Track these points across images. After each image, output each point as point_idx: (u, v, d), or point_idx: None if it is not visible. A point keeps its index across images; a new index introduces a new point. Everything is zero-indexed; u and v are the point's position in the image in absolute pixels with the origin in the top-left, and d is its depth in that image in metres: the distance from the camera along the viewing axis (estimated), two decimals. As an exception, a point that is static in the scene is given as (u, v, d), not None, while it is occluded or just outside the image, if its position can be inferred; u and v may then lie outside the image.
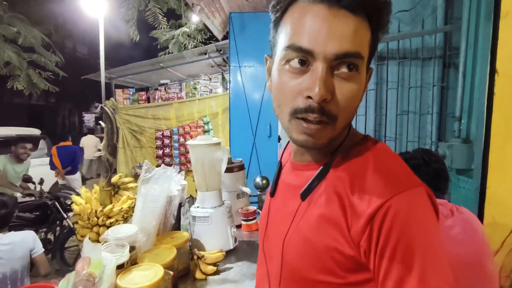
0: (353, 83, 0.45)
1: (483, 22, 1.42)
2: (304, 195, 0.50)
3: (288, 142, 0.67)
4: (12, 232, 1.87)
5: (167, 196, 1.17)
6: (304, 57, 0.44)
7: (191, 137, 4.70)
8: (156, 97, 4.94)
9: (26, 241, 1.83)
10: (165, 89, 5.03)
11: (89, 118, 16.72)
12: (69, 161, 4.97)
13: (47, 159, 5.19)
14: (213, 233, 1.28)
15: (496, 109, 1.35)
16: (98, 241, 1.29)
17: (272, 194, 0.62)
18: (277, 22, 0.50)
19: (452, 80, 2.08)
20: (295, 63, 0.45)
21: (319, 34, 0.43)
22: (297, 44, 0.44)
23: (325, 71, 0.43)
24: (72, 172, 4.98)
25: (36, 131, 6.14)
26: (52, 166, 4.92)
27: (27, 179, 3.32)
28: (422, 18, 2.13)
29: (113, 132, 1.65)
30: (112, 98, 1.81)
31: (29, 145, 3.46)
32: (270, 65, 0.53)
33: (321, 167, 0.50)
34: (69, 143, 5.26)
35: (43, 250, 1.88)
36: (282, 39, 0.47)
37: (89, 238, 1.14)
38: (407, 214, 0.41)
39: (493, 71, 1.36)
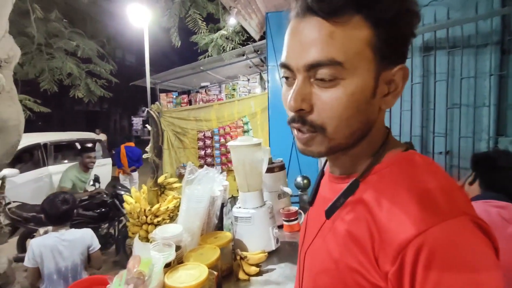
0: (336, 90, 0.42)
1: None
2: (329, 214, 0.47)
3: None
4: (73, 229, 2.04)
5: (210, 196, 1.20)
6: (286, 72, 0.46)
7: (231, 137, 4.79)
8: (197, 99, 5.11)
9: (85, 238, 1.98)
10: (205, 91, 5.19)
11: (137, 122, 17.90)
12: (135, 161, 5.39)
13: (103, 161, 5.66)
14: (255, 234, 1.28)
15: None
16: (147, 239, 1.37)
17: (311, 203, 0.60)
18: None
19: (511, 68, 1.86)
20: (285, 78, 0.47)
21: (291, 48, 0.44)
22: (281, 61, 0.46)
23: (299, 82, 0.43)
24: (134, 171, 5.39)
25: (92, 135, 6.74)
26: (119, 164, 5.35)
27: (97, 179, 3.71)
28: (475, 2, 1.93)
29: (158, 134, 1.74)
30: (157, 102, 1.90)
31: (93, 154, 3.82)
32: None
33: (349, 184, 0.46)
34: (132, 144, 5.68)
35: (99, 246, 2.04)
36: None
37: (139, 236, 1.21)
38: (448, 251, 0.35)
39: None
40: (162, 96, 5.29)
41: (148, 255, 0.86)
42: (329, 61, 0.41)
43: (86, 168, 3.67)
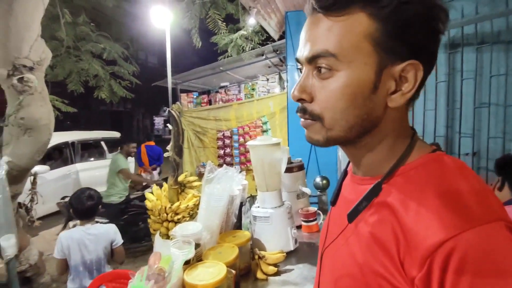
0: (331, 81, 0.44)
1: None
2: (351, 217, 0.47)
3: None
4: (98, 224, 2.13)
5: (229, 195, 1.21)
6: (299, 66, 0.49)
7: (250, 137, 4.81)
8: (217, 99, 5.17)
9: (109, 233, 2.07)
10: (225, 91, 5.24)
11: (158, 121, 18.35)
12: (155, 160, 5.55)
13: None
14: (274, 234, 1.28)
15: None
16: (167, 236, 1.40)
17: (333, 203, 0.59)
18: None
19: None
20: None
21: (300, 43, 0.48)
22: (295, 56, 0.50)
23: (304, 75, 0.47)
24: (155, 170, 5.54)
25: (116, 134, 6.98)
26: (140, 162, 5.53)
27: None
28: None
29: (179, 133, 1.78)
30: (178, 102, 1.94)
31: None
32: None
33: (372, 186, 0.45)
34: (152, 143, 5.84)
35: (122, 242, 2.12)
36: None
37: (160, 233, 1.24)
38: (482, 257, 0.33)
39: None
40: (183, 96, 5.39)
41: (168, 252, 0.88)
42: (323, 53, 0.43)
43: (127, 155, 4.00)
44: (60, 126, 2.48)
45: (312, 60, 0.45)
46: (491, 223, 0.35)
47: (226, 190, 1.18)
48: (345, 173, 0.60)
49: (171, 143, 1.79)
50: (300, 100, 0.47)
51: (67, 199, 3.89)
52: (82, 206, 2.03)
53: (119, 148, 4.14)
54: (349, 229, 0.49)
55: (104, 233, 2.04)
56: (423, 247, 0.36)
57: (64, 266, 1.97)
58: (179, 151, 1.79)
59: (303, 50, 0.46)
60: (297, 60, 0.49)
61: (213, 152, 5.14)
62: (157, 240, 0.89)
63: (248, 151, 4.94)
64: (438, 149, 0.46)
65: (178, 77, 5.70)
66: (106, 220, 3.65)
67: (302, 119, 0.49)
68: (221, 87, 5.60)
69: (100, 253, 2.01)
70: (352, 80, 0.42)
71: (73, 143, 5.59)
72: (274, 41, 4.71)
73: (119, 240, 2.09)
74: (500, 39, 1.91)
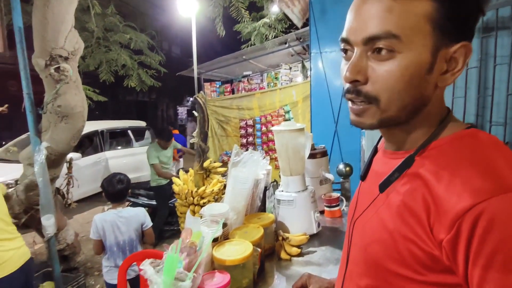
0: (391, 63, 0.43)
1: None
2: (382, 187, 0.49)
3: None
4: (129, 207, 2.27)
5: (254, 179, 1.24)
6: (346, 46, 0.48)
7: (273, 125, 4.80)
8: (240, 88, 5.21)
9: (139, 216, 2.19)
10: (248, 80, 5.26)
11: (182, 111, 18.70)
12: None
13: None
14: (297, 217, 1.31)
15: None
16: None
17: (363, 178, 0.61)
18: None
19: None
20: (342, 52, 0.50)
21: (351, 23, 0.46)
22: (341, 36, 0.48)
23: (357, 55, 0.45)
24: (181, 157, 5.71)
25: (142, 123, 7.22)
26: None
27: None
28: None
29: (204, 120, 1.83)
30: (201, 91, 1.99)
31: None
32: None
33: (404, 159, 0.47)
34: (177, 131, 5.98)
35: (151, 224, 2.25)
36: None
37: (191, 211, 1.30)
38: (509, 221, 0.35)
39: None
40: (206, 85, 5.47)
41: (198, 229, 0.94)
42: (385, 34, 0.42)
43: (163, 146, 4.00)
44: (90, 115, 2.60)
45: (370, 41, 0.44)
46: None
47: (252, 173, 1.22)
48: (376, 149, 0.61)
49: (197, 130, 1.84)
50: (353, 82, 0.46)
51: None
52: (113, 189, 2.17)
53: (156, 139, 4.09)
54: (380, 199, 0.51)
55: (134, 216, 2.17)
56: (453, 211, 0.38)
57: (100, 246, 2.11)
58: (204, 137, 1.85)
59: (357, 31, 0.45)
60: (345, 41, 0.47)
61: (235, 141, 5.21)
62: (188, 218, 0.94)
63: (270, 140, 4.96)
64: (473, 126, 0.47)
65: (202, 66, 5.78)
66: (154, 203, 3.92)
67: (353, 105, 0.48)
68: (244, 76, 5.62)
69: (132, 235, 2.14)
70: (411, 62, 0.43)
71: (102, 132, 5.85)
72: (297, 29, 4.63)
73: (148, 222, 2.22)
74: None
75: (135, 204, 3.71)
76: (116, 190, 2.17)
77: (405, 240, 0.43)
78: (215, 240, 1.01)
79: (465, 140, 0.45)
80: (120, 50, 4.73)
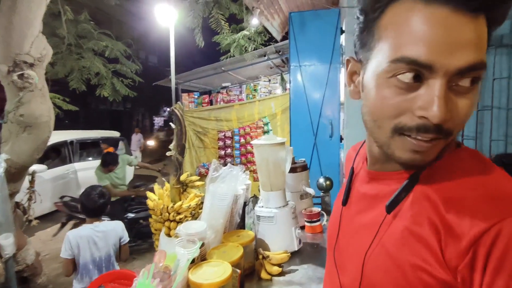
0: (473, 96, 0.39)
1: None
2: (390, 208, 0.45)
3: (361, 147, 0.62)
4: (106, 221, 2.13)
5: (233, 194, 1.19)
6: (419, 71, 0.37)
7: (252, 137, 4.79)
8: (218, 99, 5.15)
9: (117, 230, 2.07)
10: (226, 91, 5.23)
11: (158, 121, 18.33)
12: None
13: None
14: (278, 234, 1.26)
15: None
16: (169, 236, 1.38)
17: (345, 203, 0.58)
18: (372, 23, 0.42)
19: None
20: (407, 78, 0.38)
21: (441, 45, 0.36)
22: (412, 57, 0.37)
23: (444, 88, 0.37)
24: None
25: (116, 134, 6.96)
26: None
27: (136, 186, 3.95)
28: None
29: (182, 133, 1.75)
30: (179, 102, 1.93)
31: (110, 168, 3.82)
32: (358, 70, 0.48)
33: (409, 178, 0.45)
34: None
35: (129, 239, 2.12)
36: (385, 47, 0.40)
37: (166, 232, 1.22)
38: None
39: None
40: (184, 96, 5.37)
41: (173, 251, 0.86)
42: (482, 65, 0.37)
43: (108, 171, 3.75)
44: (59, 124, 2.45)
45: (464, 71, 0.37)
46: None
47: (231, 189, 1.16)
48: (353, 171, 0.58)
49: (173, 142, 1.76)
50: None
51: (66, 199, 3.84)
52: (94, 204, 2.04)
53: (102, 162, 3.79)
54: (383, 227, 0.47)
55: (112, 230, 2.04)
56: (467, 236, 0.36)
57: (72, 266, 1.95)
58: (181, 150, 1.77)
59: (448, 55, 0.36)
60: (424, 65, 0.37)
61: (213, 153, 5.12)
62: (162, 239, 0.87)
63: (249, 152, 4.92)
64: (460, 142, 0.47)
65: (180, 76, 5.69)
66: (108, 218, 3.67)
67: (419, 142, 0.40)
68: (223, 88, 5.59)
69: (110, 250, 2.01)
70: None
71: (71, 142, 5.55)
72: (276, 41, 4.71)
73: (126, 237, 2.11)
74: (503, 42, 1.91)
75: (81, 220, 3.47)
76: (97, 205, 2.05)
77: (415, 269, 0.40)
78: (192, 262, 0.94)
79: (460, 157, 0.44)
80: (93, 57, 4.56)
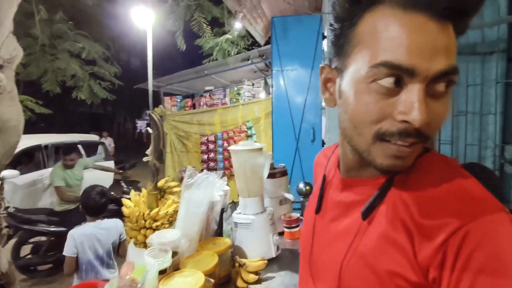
0: (447, 101, 0.41)
1: None
2: (366, 214, 0.45)
3: (332, 153, 0.61)
4: (106, 219, 2.19)
5: (209, 201, 1.16)
6: (400, 76, 0.38)
7: (235, 142, 4.76)
8: (202, 103, 5.10)
9: (117, 227, 2.16)
10: (209, 95, 5.19)
11: (141, 125, 17.99)
12: None
13: (106, 164, 5.65)
14: (255, 240, 1.24)
15: None
16: (145, 244, 1.33)
17: (318, 211, 0.57)
18: (348, 30, 0.43)
19: (518, 76, 1.82)
20: (387, 82, 0.38)
21: (421, 50, 0.36)
22: (394, 61, 0.37)
23: (422, 91, 0.38)
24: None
25: (95, 137, 6.74)
26: None
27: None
28: (481, 9, 1.91)
29: (159, 138, 1.71)
30: (161, 106, 1.89)
31: (71, 157, 3.66)
32: (333, 77, 0.48)
33: (383, 183, 0.45)
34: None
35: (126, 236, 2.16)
36: (365, 52, 0.40)
37: (136, 241, 1.18)
38: (490, 241, 0.35)
39: None
40: (166, 99, 5.29)
41: (143, 262, 0.83)
42: (455, 69, 0.39)
43: (66, 167, 3.55)
44: (33, 128, 2.35)
45: (441, 76, 0.38)
46: (499, 212, 0.37)
47: (206, 196, 1.14)
48: (325, 178, 0.58)
49: (150, 147, 1.72)
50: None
51: (11, 210, 3.54)
52: (96, 204, 2.11)
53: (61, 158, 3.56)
54: (359, 234, 0.47)
55: (113, 227, 2.13)
56: (438, 238, 0.37)
57: (75, 264, 1.99)
58: (159, 155, 1.73)
59: (428, 60, 0.37)
60: (406, 70, 0.37)
61: (196, 157, 5.05)
62: (131, 249, 0.83)
63: (231, 156, 4.88)
64: (429, 148, 0.47)
65: (162, 80, 5.60)
66: (65, 229, 3.32)
67: (405, 148, 0.40)
68: (206, 91, 5.54)
69: (110, 246, 2.10)
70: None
71: (46, 146, 5.33)
72: (260, 46, 4.72)
73: (124, 233, 2.18)
74: (476, 50, 1.98)
75: (33, 232, 3.28)
76: (100, 204, 2.12)
77: (391, 276, 0.41)
78: (163, 272, 0.91)
79: (430, 162, 0.45)
80: (69, 59, 4.41)
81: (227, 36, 4.30)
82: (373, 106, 0.40)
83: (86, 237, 2.01)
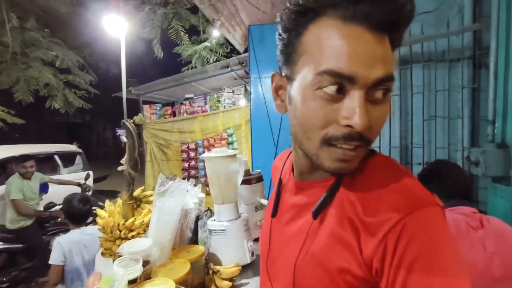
0: (386, 105, 0.44)
1: (515, 18, 1.32)
2: (317, 213, 0.48)
3: (287, 158, 0.64)
4: (90, 225, 2.18)
5: (183, 209, 1.16)
6: (342, 84, 0.41)
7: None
8: (182, 111, 5.08)
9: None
10: (190, 103, 5.17)
11: (121, 133, 17.59)
12: None
13: (84, 174, 5.48)
14: (230, 247, 1.25)
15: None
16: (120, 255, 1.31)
17: (274, 214, 0.59)
18: (295, 39, 0.45)
19: (483, 81, 1.94)
20: (331, 90, 0.41)
21: (361, 58, 0.40)
22: (336, 70, 0.40)
23: (363, 98, 0.41)
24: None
25: (72, 147, 6.53)
26: None
27: (50, 206, 3.48)
28: (447, 18, 2.02)
29: (134, 147, 1.70)
30: (140, 114, 1.87)
31: (30, 163, 3.51)
32: (283, 84, 0.50)
33: (332, 184, 0.48)
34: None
35: None
36: (310, 61, 0.43)
37: (112, 252, 1.16)
38: (425, 232, 0.39)
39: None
40: (146, 107, 5.23)
41: (111, 272, 0.82)
42: (392, 77, 0.42)
43: (23, 176, 3.38)
44: (6, 139, 2.27)
45: (379, 83, 0.41)
46: (432, 206, 0.41)
47: (179, 204, 1.14)
48: (281, 182, 0.60)
49: (125, 156, 1.70)
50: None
51: None
52: (80, 211, 2.09)
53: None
54: (310, 234, 0.50)
55: (98, 233, 2.05)
56: (379, 233, 0.40)
57: (61, 273, 1.94)
58: (134, 164, 1.71)
59: (367, 68, 0.40)
60: (347, 77, 0.40)
61: (177, 165, 5.00)
62: (98, 259, 0.83)
63: (212, 163, 4.86)
64: (373, 150, 0.51)
65: (141, 88, 5.53)
66: (20, 245, 3.20)
67: (350, 151, 0.43)
68: (186, 99, 5.52)
69: (95, 253, 2.02)
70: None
71: (20, 157, 5.12)
72: (239, 53, 4.76)
73: None
74: (444, 57, 2.09)
75: None
76: (84, 210, 2.10)
77: (341, 273, 0.44)
78: (134, 282, 0.90)
79: (374, 163, 0.48)
80: (42, 67, 4.29)
81: (205, 44, 4.32)
82: (319, 111, 0.42)
83: (74, 244, 1.98)
